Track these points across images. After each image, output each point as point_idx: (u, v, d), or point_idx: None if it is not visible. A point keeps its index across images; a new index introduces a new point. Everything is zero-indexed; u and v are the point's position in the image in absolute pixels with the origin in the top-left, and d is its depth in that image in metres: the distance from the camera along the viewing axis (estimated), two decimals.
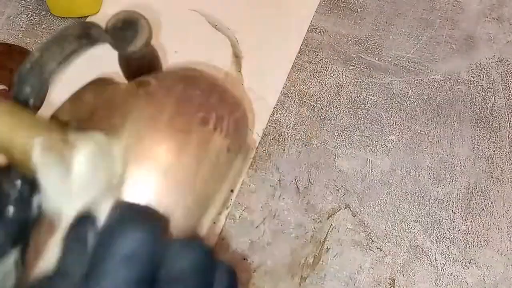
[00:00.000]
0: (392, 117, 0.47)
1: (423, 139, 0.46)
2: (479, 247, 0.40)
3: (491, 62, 0.52)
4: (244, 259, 0.39)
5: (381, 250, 0.40)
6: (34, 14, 0.54)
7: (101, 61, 0.29)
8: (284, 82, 0.49)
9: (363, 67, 0.51)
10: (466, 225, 0.41)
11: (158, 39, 0.50)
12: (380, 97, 0.49)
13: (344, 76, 0.50)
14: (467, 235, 0.41)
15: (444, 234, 0.41)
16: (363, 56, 0.52)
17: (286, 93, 0.49)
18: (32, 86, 0.22)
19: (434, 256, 0.40)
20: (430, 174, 0.44)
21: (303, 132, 0.46)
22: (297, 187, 0.43)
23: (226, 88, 0.27)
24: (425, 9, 0.56)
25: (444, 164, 0.45)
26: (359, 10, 0.56)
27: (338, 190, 0.43)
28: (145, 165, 0.21)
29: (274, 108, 0.48)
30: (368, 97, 0.49)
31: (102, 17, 0.53)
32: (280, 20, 0.54)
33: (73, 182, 0.19)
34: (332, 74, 0.50)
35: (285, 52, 0.52)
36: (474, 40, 0.53)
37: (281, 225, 0.41)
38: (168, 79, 0.26)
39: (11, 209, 0.20)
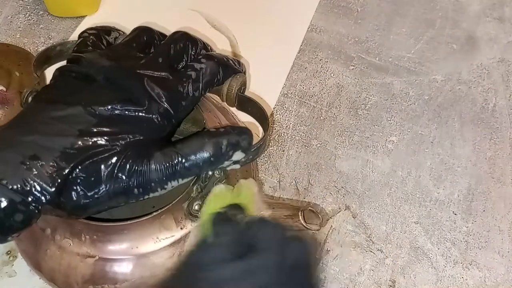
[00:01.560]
0: (393, 117, 0.47)
1: (423, 139, 0.46)
2: (480, 249, 0.40)
3: (492, 62, 0.51)
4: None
5: (381, 252, 0.40)
6: (32, 14, 0.54)
7: None
8: (284, 82, 0.49)
9: (363, 67, 0.51)
10: (467, 227, 0.41)
11: None
12: (380, 98, 0.48)
13: (344, 76, 0.50)
14: (468, 236, 0.41)
15: (445, 236, 0.41)
16: (363, 56, 0.52)
17: (286, 93, 0.48)
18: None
19: (435, 258, 0.40)
20: (431, 175, 0.44)
21: (303, 132, 0.46)
22: (297, 188, 0.43)
23: None
24: (426, 9, 0.56)
25: (445, 165, 0.44)
26: (359, 9, 0.56)
27: (338, 191, 0.43)
28: None
29: (274, 108, 0.47)
30: (369, 98, 0.48)
31: (101, 17, 0.53)
32: (280, 20, 0.54)
33: None
34: (332, 74, 0.50)
35: (285, 52, 0.51)
36: (475, 40, 0.53)
37: None
38: None
39: None
